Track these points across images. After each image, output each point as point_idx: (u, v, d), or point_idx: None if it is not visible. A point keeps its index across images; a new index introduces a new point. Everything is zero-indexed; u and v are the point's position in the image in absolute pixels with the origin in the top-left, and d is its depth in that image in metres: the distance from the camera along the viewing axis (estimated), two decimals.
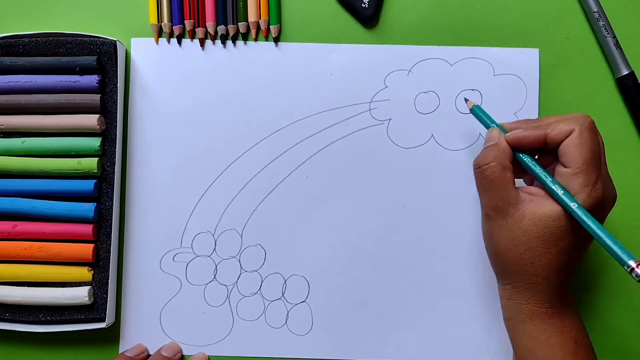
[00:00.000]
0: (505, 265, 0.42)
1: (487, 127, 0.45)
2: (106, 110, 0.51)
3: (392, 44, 0.53)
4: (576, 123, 0.40)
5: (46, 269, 0.50)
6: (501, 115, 0.52)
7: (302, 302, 0.52)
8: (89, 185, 0.50)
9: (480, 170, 0.43)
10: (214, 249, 0.52)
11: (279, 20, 0.53)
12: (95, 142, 0.50)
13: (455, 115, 0.52)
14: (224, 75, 0.53)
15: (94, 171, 0.50)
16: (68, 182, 0.50)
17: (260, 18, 0.52)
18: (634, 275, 0.35)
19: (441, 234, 0.52)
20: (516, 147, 0.42)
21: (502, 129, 0.44)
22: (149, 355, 0.51)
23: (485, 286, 0.52)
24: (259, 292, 0.52)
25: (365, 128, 0.52)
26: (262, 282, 0.52)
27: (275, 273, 0.52)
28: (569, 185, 0.40)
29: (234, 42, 0.53)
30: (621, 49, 0.52)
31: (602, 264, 0.52)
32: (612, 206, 0.42)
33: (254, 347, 0.52)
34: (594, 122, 0.41)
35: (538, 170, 0.41)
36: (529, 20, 0.53)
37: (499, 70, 0.52)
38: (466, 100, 0.49)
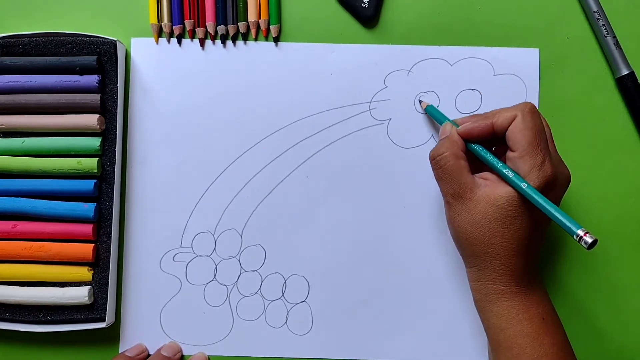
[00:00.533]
0: (468, 247, 0.44)
1: (441, 123, 0.48)
2: (106, 110, 0.51)
3: (392, 44, 0.53)
4: (518, 109, 0.43)
5: (46, 268, 0.50)
6: None
7: (302, 302, 0.52)
8: (89, 185, 0.50)
9: (435, 161, 0.45)
10: (214, 248, 0.52)
11: (279, 20, 0.53)
12: (95, 142, 0.50)
13: (456, 115, 0.52)
14: (224, 75, 0.53)
15: (94, 171, 0.50)
16: (68, 182, 0.50)
17: (260, 18, 0.52)
18: (582, 243, 0.37)
19: (441, 233, 0.52)
20: (468, 138, 0.45)
21: (455, 124, 0.46)
22: (149, 355, 0.51)
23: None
24: (259, 292, 0.52)
25: (365, 128, 0.52)
26: (262, 282, 0.52)
27: (275, 273, 0.52)
28: (518, 168, 0.42)
29: (234, 42, 0.53)
30: (621, 49, 0.52)
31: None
32: (567, 186, 0.44)
33: (254, 347, 0.52)
34: (535, 107, 0.44)
35: (489, 157, 0.44)
36: (529, 20, 0.53)
37: (498, 70, 0.52)
38: (420, 101, 0.51)
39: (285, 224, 0.52)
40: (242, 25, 0.52)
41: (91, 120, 0.50)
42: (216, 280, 0.52)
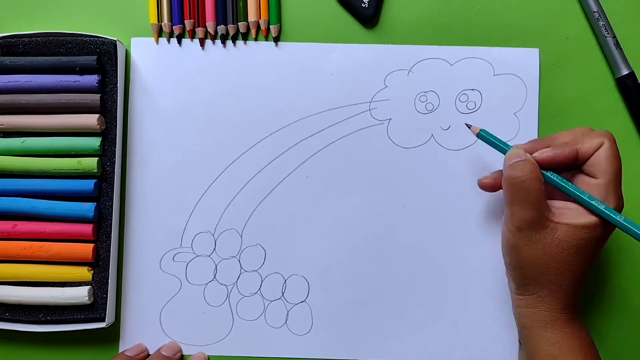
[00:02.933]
0: (535, 276, 0.43)
1: (502, 149, 0.46)
2: (106, 110, 0.51)
3: (392, 43, 0.53)
4: (603, 136, 0.43)
5: (46, 268, 0.50)
6: (501, 115, 0.52)
7: (302, 302, 0.52)
8: (88, 185, 0.50)
9: (516, 182, 0.42)
10: (214, 248, 0.52)
11: (279, 20, 0.53)
12: (95, 142, 0.50)
13: (455, 115, 0.52)
14: (224, 75, 0.53)
15: (94, 171, 0.50)
16: (68, 181, 0.50)
17: (260, 18, 0.52)
18: None
19: (441, 233, 0.52)
20: (546, 166, 0.44)
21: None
22: (148, 355, 0.51)
23: (485, 285, 0.52)
24: (258, 292, 0.52)
25: (365, 128, 0.52)
26: (262, 282, 0.52)
27: (275, 273, 0.52)
28: (602, 196, 0.42)
29: (234, 42, 0.53)
30: (621, 49, 0.52)
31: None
32: None
33: (253, 347, 0.52)
34: (613, 136, 0.44)
35: (570, 187, 0.43)
36: (529, 20, 0.53)
37: (499, 70, 0.52)
38: (469, 126, 0.48)
39: (285, 224, 0.52)
40: (242, 25, 0.52)
41: (91, 120, 0.50)
42: (216, 280, 0.52)
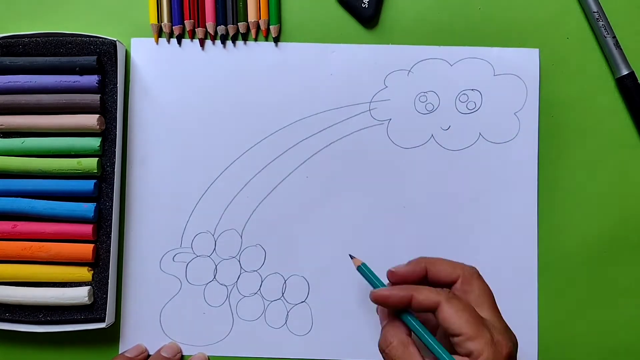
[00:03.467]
0: None
1: (375, 285, 0.43)
2: (106, 110, 0.51)
3: (392, 44, 0.53)
4: (441, 293, 0.40)
5: (46, 269, 0.50)
6: (501, 115, 0.52)
7: (302, 302, 0.52)
8: (88, 185, 0.50)
9: (385, 353, 0.41)
10: (214, 249, 0.52)
11: (279, 20, 0.53)
12: (95, 142, 0.50)
13: (455, 115, 0.52)
14: (224, 75, 0.53)
15: (94, 171, 0.50)
16: (68, 182, 0.50)
17: (260, 18, 0.52)
18: None
19: (441, 233, 0.52)
20: (385, 306, 0.42)
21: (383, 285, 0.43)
22: (148, 356, 0.51)
23: None
24: (258, 292, 0.52)
25: (365, 128, 0.52)
26: (262, 282, 0.52)
27: (275, 273, 0.52)
28: (470, 350, 0.39)
29: (234, 42, 0.53)
30: (621, 49, 0.52)
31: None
32: (517, 349, 0.41)
33: (253, 347, 0.52)
34: (456, 296, 0.41)
35: (431, 342, 0.40)
36: (529, 20, 0.53)
37: (499, 70, 0.52)
38: (352, 257, 0.45)
39: (285, 224, 0.52)
40: (242, 26, 0.52)
41: (91, 120, 0.50)
42: (216, 280, 0.52)
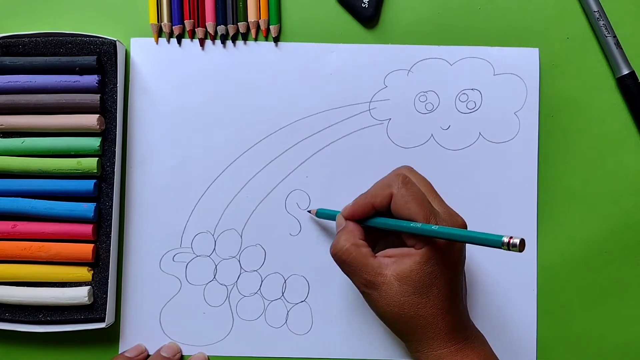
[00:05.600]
0: (397, 327, 0.44)
1: (333, 218, 0.48)
2: (106, 110, 0.51)
3: (392, 43, 0.53)
4: (392, 184, 0.44)
5: (46, 269, 0.50)
6: (501, 114, 0.52)
7: (302, 301, 0.52)
8: (88, 185, 0.50)
9: (337, 257, 0.45)
10: (214, 249, 0.52)
11: (279, 20, 0.53)
12: (95, 142, 0.50)
13: (455, 115, 0.52)
14: (224, 75, 0.53)
15: (94, 171, 0.50)
16: (68, 182, 0.50)
17: (260, 18, 0.52)
18: (511, 247, 0.36)
19: None
20: (355, 220, 0.46)
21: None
22: (148, 356, 0.51)
23: (485, 284, 0.52)
24: (258, 292, 0.52)
25: (365, 128, 0.52)
26: (262, 282, 0.52)
27: (275, 273, 0.52)
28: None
29: (233, 42, 0.53)
30: (621, 48, 0.52)
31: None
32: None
33: (254, 347, 0.52)
34: (407, 175, 0.44)
35: (391, 222, 0.44)
36: (529, 20, 0.53)
37: (498, 69, 0.52)
38: (309, 211, 0.51)
39: (285, 224, 0.52)
40: (242, 25, 0.52)
41: (91, 120, 0.50)
42: (216, 280, 0.52)
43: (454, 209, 0.52)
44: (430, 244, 0.42)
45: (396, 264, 0.42)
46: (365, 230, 0.46)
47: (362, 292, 0.44)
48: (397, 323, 0.43)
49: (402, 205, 0.43)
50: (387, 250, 0.44)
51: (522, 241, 0.36)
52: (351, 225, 0.46)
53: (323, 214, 0.50)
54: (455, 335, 0.43)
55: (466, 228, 0.44)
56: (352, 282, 0.45)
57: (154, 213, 0.52)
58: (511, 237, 0.36)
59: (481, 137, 0.52)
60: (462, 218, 0.44)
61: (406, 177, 0.44)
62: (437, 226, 0.41)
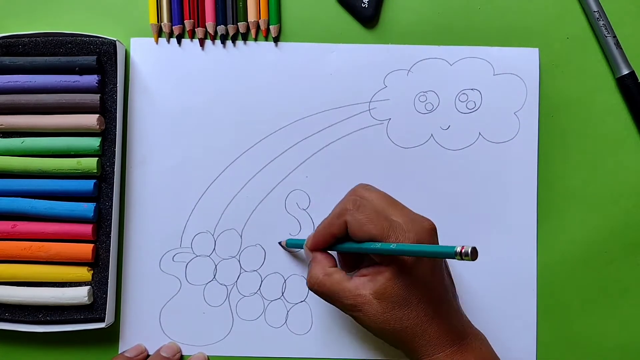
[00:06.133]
0: (392, 341, 0.44)
1: (302, 248, 0.49)
2: (106, 110, 0.51)
3: (392, 44, 0.53)
4: (343, 211, 0.44)
5: (46, 269, 0.50)
6: (501, 115, 0.52)
7: (302, 301, 0.52)
8: (88, 185, 0.50)
9: (314, 289, 0.45)
10: (214, 249, 0.52)
11: (279, 20, 0.53)
12: (94, 142, 0.50)
13: (455, 115, 0.52)
14: (224, 75, 0.53)
15: (94, 171, 0.50)
16: (67, 182, 0.50)
17: (260, 18, 0.52)
18: (464, 257, 0.36)
19: (440, 233, 0.52)
20: (322, 248, 0.46)
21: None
22: (148, 356, 0.51)
23: (485, 284, 0.52)
24: (258, 291, 0.52)
25: (364, 128, 0.52)
26: (261, 281, 0.52)
27: (275, 273, 0.52)
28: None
29: (233, 42, 0.53)
30: (621, 48, 0.52)
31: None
32: (434, 234, 0.44)
33: (253, 347, 0.52)
34: (357, 197, 0.44)
35: (353, 246, 0.44)
36: (529, 20, 0.53)
37: (498, 69, 0.52)
38: (280, 243, 0.52)
39: (285, 224, 0.52)
40: (242, 25, 0.52)
41: (91, 120, 0.50)
42: (216, 280, 0.52)
43: (454, 209, 0.52)
44: (396, 260, 0.42)
45: (372, 282, 0.43)
46: (342, 253, 0.46)
47: (350, 316, 0.44)
48: (389, 338, 0.44)
49: (358, 229, 0.43)
50: (361, 270, 0.44)
51: (474, 250, 0.36)
52: (318, 255, 0.46)
53: (292, 244, 0.51)
54: (448, 338, 0.43)
55: (435, 230, 0.44)
56: (338, 308, 0.45)
57: (154, 213, 0.52)
58: (463, 247, 0.36)
59: (481, 137, 0.52)
60: (429, 222, 0.44)
61: (357, 200, 0.44)
62: (395, 244, 0.41)
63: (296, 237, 0.52)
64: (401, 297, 0.42)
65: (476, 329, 0.46)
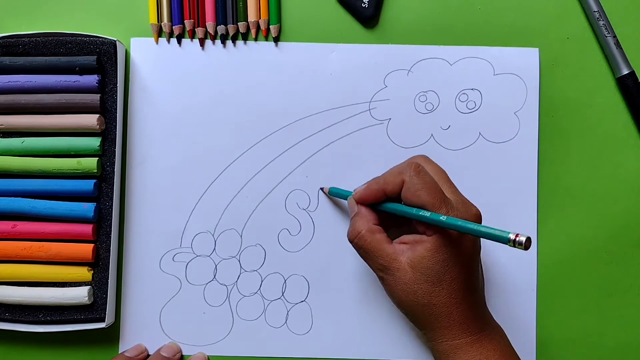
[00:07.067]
0: (412, 314, 0.44)
1: (345, 198, 0.49)
2: (106, 110, 0.51)
3: (392, 43, 0.53)
4: (404, 172, 0.44)
5: (46, 268, 0.50)
6: (501, 114, 0.52)
7: (302, 301, 0.52)
8: (88, 185, 0.50)
9: (354, 243, 0.46)
10: (214, 248, 0.52)
11: (279, 20, 0.53)
12: (95, 142, 0.50)
13: (455, 115, 0.52)
14: (224, 75, 0.53)
15: (94, 171, 0.50)
16: (68, 182, 0.50)
17: (260, 18, 0.52)
18: (517, 245, 0.36)
19: None
20: (365, 204, 0.46)
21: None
22: (148, 356, 0.51)
23: (485, 283, 0.52)
24: (258, 291, 0.52)
25: (365, 128, 0.52)
26: (262, 281, 0.52)
27: (275, 273, 0.52)
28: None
29: (233, 42, 0.53)
30: (621, 48, 0.52)
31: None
32: (480, 222, 0.44)
33: (253, 347, 0.52)
34: (420, 164, 0.44)
35: (404, 209, 0.44)
36: (529, 20, 0.53)
37: (498, 69, 0.52)
38: (322, 189, 0.52)
39: (285, 224, 0.52)
40: (242, 25, 0.52)
41: (91, 120, 0.50)
42: (216, 280, 0.52)
43: None
44: (440, 232, 0.42)
45: (410, 251, 0.43)
46: (379, 214, 0.46)
47: (378, 276, 0.45)
48: (411, 310, 0.44)
49: (413, 193, 0.43)
50: (402, 236, 0.44)
51: (529, 239, 0.36)
52: (364, 210, 0.46)
53: (335, 193, 0.51)
54: (470, 326, 0.43)
55: (480, 218, 0.44)
56: (369, 265, 0.45)
57: (154, 213, 0.52)
58: (517, 235, 0.36)
59: (481, 137, 0.52)
60: (476, 208, 0.44)
61: (419, 166, 0.44)
62: (446, 217, 0.41)
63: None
64: (435, 271, 0.42)
65: (497, 323, 0.46)
